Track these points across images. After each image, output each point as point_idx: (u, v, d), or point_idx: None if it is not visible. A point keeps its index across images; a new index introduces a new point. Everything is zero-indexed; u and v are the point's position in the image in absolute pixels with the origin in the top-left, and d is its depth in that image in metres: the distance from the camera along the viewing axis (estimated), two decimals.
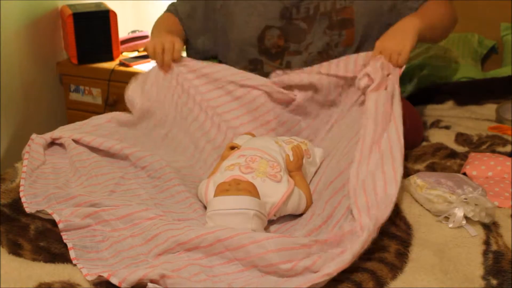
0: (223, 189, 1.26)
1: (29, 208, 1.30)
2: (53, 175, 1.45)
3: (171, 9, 1.90)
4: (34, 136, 1.55)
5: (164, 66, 1.67)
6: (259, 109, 1.66)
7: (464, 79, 2.26)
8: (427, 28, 1.60)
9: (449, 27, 1.82)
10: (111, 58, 2.60)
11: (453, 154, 1.64)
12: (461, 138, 1.75)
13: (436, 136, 1.76)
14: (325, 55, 1.73)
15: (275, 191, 1.29)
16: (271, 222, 1.32)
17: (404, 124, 1.49)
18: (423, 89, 2.20)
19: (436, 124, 1.90)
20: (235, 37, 1.80)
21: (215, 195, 1.27)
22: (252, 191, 1.25)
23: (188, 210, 1.34)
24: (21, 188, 1.37)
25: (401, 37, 1.53)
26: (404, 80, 2.35)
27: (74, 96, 2.64)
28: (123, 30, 2.74)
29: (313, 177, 1.47)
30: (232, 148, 1.45)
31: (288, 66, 1.75)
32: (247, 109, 1.65)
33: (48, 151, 1.55)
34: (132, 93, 1.65)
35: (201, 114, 1.64)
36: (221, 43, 1.86)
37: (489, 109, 2.03)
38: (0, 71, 2.27)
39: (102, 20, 2.54)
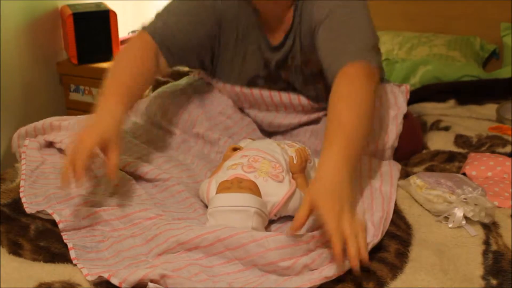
0: (225, 187, 1.27)
1: (29, 208, 1.30)
2: (53, 175, 1.45)
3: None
4: (27, 142, 1.53)
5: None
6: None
7: (468, 77, 2.27)
8: (356, 157, 1.23)
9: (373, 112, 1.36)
10: (111, 58, 2.60)
11: (451, 158, 1.63)
12: (460, 140, 1.75)
13: (435, 141, 1.75)
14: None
15: (277, 191, 1.29)
16: (271, 222, 1.33)
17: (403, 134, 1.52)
18: (426, 87, 2.21)
19: (436, 124, 1.90)
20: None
21: (217, 193, 1.28)
22: (253, 189, 1.26)
23: (188, 210, 1.35)
24: (21, 189, 1.37)
25: (339, 202, 1.12)
26: (408, 74, 2.37)
27: (74, 96, 2.64)
28: (123, 30, 2.74)
29: None
30: (235, 149, 1.46)
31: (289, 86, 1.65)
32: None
33: (48, 151, 1.54)
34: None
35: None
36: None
37: (489, 109, 2.03)
38: (0, 71, 2.27)
39: (102, 20, 2.54)
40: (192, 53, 1.58)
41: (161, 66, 1.51)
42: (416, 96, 2.07)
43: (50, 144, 1.56)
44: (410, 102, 2.05)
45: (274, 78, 1.62)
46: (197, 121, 1.63)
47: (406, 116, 1.58)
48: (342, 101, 1.28)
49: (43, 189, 1.37)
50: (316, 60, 1.48)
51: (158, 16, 1.55)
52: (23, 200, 1.33)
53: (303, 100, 1.61)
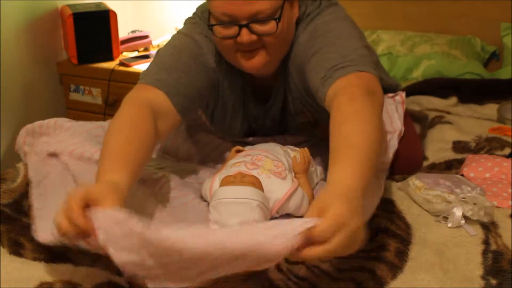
0: (228, 181, 1.28)
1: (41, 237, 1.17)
2: (61, 188, 1.38)
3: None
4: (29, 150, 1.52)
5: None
6: None
7: (470, 74, 2.29)
8: (368, 179, 1.05)
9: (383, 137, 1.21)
10: (111, 58, 2.60)
11: (449, 166, 1.62)
12: (458, 145, 1.74)
13: (434, 146, 1.74)
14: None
15: (279, 188, 1.30)
16: (273, 219, 1.33)
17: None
18: (428, 80, 2.23)
19: (438, 120, 1.90)
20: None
21: (220, 186, 1.29)
22: (256, 184, 1.27)
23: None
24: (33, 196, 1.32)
25: (352, 207, 0.96)
26: (411, 68, 2.39)
27: (74, 96, 2.65)
28: (123, 30, 2.74)
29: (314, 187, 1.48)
30: (238, 151, 1.47)
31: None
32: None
33: (51, 160, 1.50)
34: None
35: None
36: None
37: (490, 109, 2.04)
38: (0, 71, 2.27)
39: (102, 20, 2.54)
40: (197, 107, 1.52)
41: (165, 127, 1.32)
42: (418, 89, 2.09)
43: (52, 154, 1.53)
44: (411, 94, 2.04)
45: (269, 129, 1.62)
46: (187, 156, 1.64)
47: (404, 136, 1.54)
48: (347, 122, 1.13)
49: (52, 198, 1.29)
50: (310, 110, 1.49)
51: (160, 69, 1.39)
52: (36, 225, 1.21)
53: (300, 138, 1.62)
